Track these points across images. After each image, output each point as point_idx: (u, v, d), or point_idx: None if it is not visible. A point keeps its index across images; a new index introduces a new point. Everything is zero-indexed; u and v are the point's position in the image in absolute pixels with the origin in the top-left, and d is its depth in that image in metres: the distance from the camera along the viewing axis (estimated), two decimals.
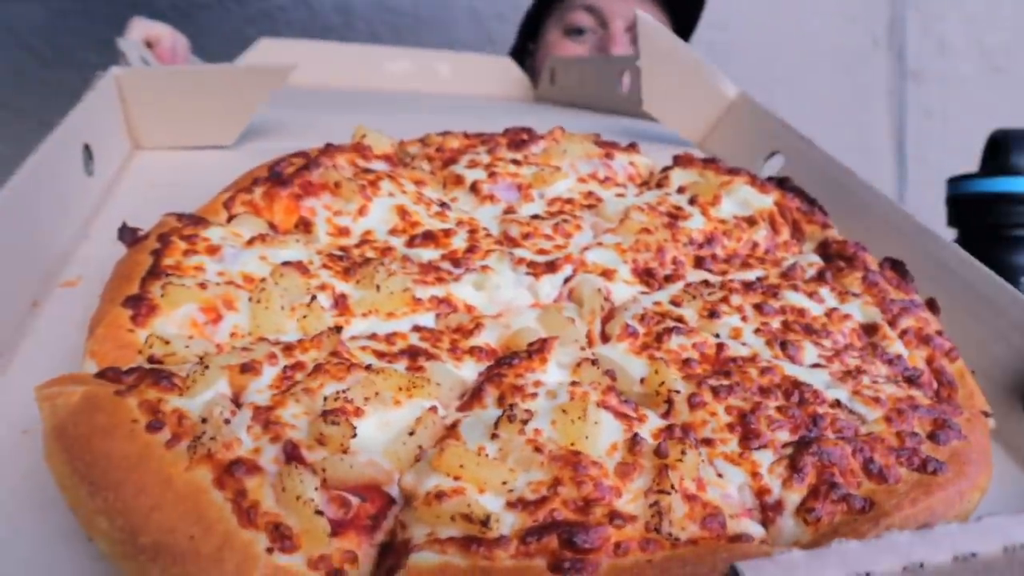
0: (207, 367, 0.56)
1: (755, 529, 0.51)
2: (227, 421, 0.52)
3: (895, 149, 3.28)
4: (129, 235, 0.76)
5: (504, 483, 0.50)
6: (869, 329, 0.72)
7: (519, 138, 1.04)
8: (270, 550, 0.45)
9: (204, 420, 0.52)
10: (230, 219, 0.82)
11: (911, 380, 0.67)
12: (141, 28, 1.38)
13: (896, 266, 0.80)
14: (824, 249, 0.86)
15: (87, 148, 0.91)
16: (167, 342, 0.61)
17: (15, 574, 0.50)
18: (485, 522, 0.46)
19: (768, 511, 0.53)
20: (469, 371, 0.64)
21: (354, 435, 0.51)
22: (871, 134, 3.29)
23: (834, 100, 3.22)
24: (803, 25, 3.16)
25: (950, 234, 1.39)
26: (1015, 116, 1.57)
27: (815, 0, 3.17)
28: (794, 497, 0.53)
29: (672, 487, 0.50)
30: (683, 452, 0.52)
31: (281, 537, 0.45)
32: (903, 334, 0.72)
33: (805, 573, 0.38)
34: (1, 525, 0.53)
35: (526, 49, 2.22)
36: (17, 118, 2.47)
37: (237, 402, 0.56)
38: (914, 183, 3.27)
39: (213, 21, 2.72)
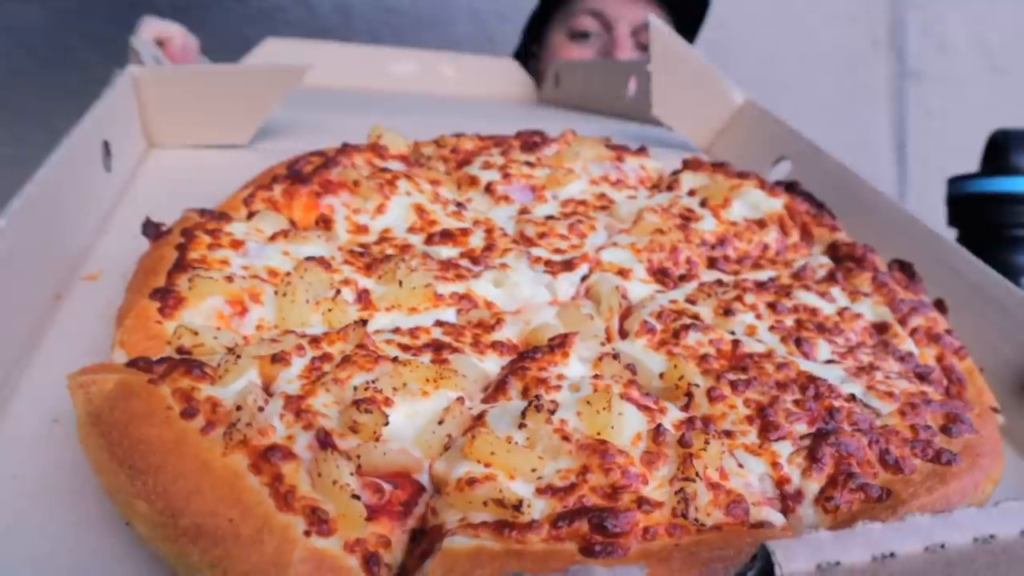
0: (239, 357, 0.57)
1: (776, 517, 0.53)
2: (261, 409, 0.53)
3: (896, 149, 3.32)
4: (152, 230, 0.77)
5: (533, 470, 0.51)
6: (880, 328, 0.74)
7: (532, 140, 1.06)
8: (308, 533, 0.46)
9: (239, 408, 0.53)
10: (250, 215, 0.83)
11: (922, 376, 0.68)
12: (153, 27, 1.40)
13: (904, 267, 0.82)
14: (833, 251, 0.88)
15: (106, 145, 0.92)
16: (196, 333, 0.62)
17: (53, 557, 0.51)
18: (518, 507, 0.47)
19: (788, 500, 0.54)
20: (492, 364, 0.65)
21: (386, 423, 0.52)
22: (872, 134, 3.33)
23: (835, 100, 3.25)
24: (803, 25, 3.20)
25: (950, 234, 1.41)
26: (1015, 116, 1.60)
27: (815, 0, 3.21)
28: (813, 486, 0.55)
29: (697, 475, 0.51)
30: (706, 442, 0.53)
31: (318, 521, 0.46)
32: (913, 332, 0.74)
33: (832, 552, 0.40)
34: (37, 511, 0.54)
35: (529, 52, 2.24)
36: (17, 118, 2.45)
37: (267, 391, 0.57)
38: (914, 183, 3.30)
39: (213, 21, 2.70)
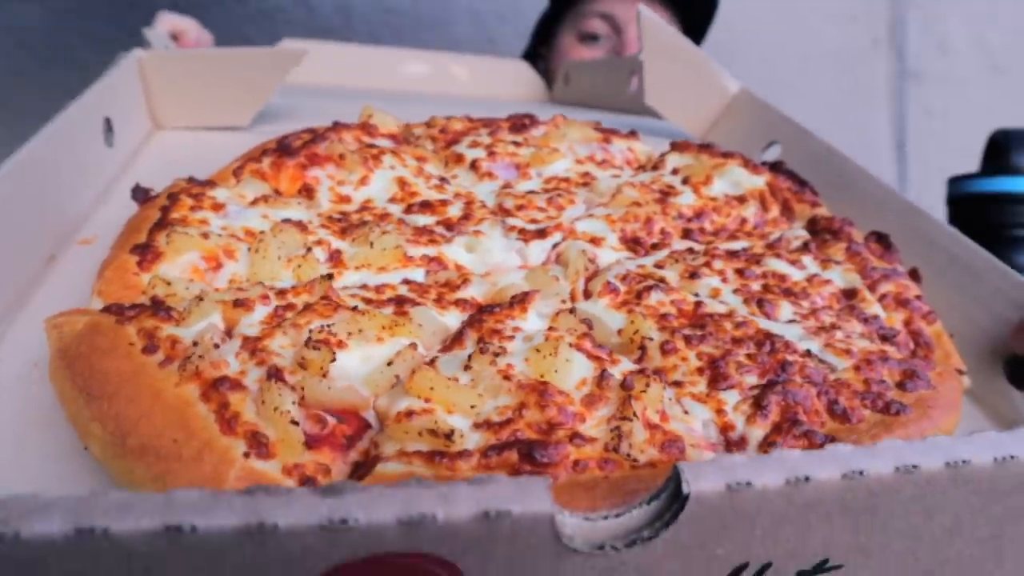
0: (202, 299, 0.59)
1: None
2: (216, 346, 0.55)
3: (896, 149, 3.28)
4: (141, 194, 0.80)
5: (472, 407, 0.52)
6: (848, 293, 0.73)
7: (521, 122, 1.08)
8: (247, 455, 0.48)
9: (195, 343, 0.55)
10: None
11: (886, 338, 0.68)
12: (167, 21, 1.45)
13: (881, 239, 0.82)
14: (812, 225, 0.88)
15: (107, 121, 0.96)
16: (169, 283, 0.65)
17: (22, 483, 0.53)
18: (449, 436, 0.49)
19: (732, 446, 0.55)
20: (453, 319, 0.67)
21: (333, 360, 0.54)
22: (871, 134, 3.29)
23: (835, 100, 3.23)
24: (805, 25, 3.19)
25: None
26: (1015, 116, 1.57)
27: (816, 0, 3.20)
28: (757, 433, 0.55)
29: (634, 415, 0.51)
30: (647, 385, 0.54)
31: (258, 444, 0.48)
32: (882, 298, 0.73)
33: (743, 473, 0.40)
34: (10, 443, 0.56)
35: (538, 53, 2.26)
36: (17, 118, 2.47)
37: (229, 335, 0.59)
38: (914, 183, 3.26)
39: (213, 21, 2.69)
